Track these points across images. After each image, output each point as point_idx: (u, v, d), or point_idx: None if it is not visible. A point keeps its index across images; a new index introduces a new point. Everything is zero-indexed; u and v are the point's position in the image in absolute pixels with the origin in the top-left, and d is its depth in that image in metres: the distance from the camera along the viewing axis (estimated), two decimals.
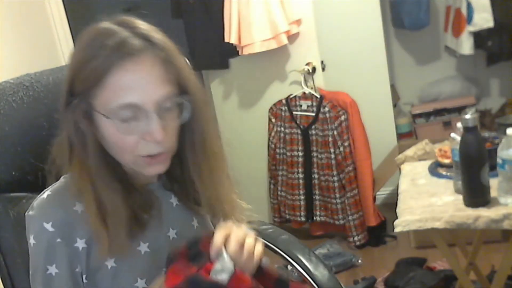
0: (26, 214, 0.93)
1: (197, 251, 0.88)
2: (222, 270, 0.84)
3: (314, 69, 2.81)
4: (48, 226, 0.90)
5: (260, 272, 0.92)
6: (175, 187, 1.03)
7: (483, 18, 2.65)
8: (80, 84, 0.89)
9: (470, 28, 2.71)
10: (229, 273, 0.84)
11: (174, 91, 0.89)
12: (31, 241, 0.92)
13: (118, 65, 0.86)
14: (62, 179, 0.96)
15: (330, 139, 2.78)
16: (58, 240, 0.90)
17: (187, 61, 0.97)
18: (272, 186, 3.03)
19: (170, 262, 0.87)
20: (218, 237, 0.86)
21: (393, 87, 3.28)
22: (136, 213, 0.94)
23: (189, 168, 0.98)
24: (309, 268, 1.31)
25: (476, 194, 1.55)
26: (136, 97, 0.86)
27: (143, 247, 0.96)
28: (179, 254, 0.88)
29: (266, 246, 1.19)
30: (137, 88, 0.86)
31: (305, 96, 2.82)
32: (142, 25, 0.91)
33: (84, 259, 0.92)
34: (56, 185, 0.95)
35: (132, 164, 0.93)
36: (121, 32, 0.88)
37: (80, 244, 0.91)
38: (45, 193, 0.93)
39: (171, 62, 0.89)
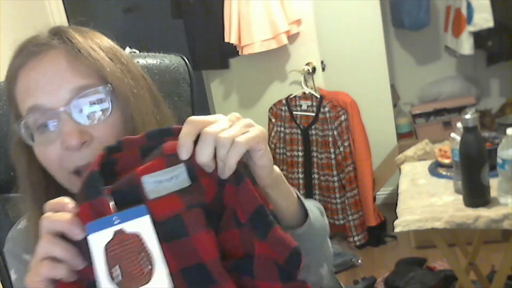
0: (4, 249, 0.87)
1: (157, 146, 0.62)
2: (168, 179, 0.59)
3: (314, 69, 2.81)
4: (28, 258, 0.81)
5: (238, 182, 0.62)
6: None
7: (483, 18, 2.65)
8: (7, 103, 0.79)
9: (470, 28, 2.71)
10: (168, 191, 0.59)
11: (91, 84, 0.73)
12: (13, 277, 0.85)
13: (22, 68, 0.74)
14: None
15: (330, 139, 2.78)
16: None
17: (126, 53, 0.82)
18: None
19: (117, 148, 0.62)
20: (185, 136, 0.59)
21: (393, 87, 3.28)
22: None
23: None
24: None
25: (476, 194, 1.55)
26: (41, 98, 0.72)
27: None
28: (132, 141, 0.62)
29: None
30: (40, 87, 0.72)
31: (305, 96, 2.82)
32: (63, 27, 0.79)
33: None
34: (29, 213, 0.84)
35: (73, 188, 0.75)
36: (31, 36, 0.78)
37: None
38: (21, 223, 0.86)
39: (84, 53, 0.74)
